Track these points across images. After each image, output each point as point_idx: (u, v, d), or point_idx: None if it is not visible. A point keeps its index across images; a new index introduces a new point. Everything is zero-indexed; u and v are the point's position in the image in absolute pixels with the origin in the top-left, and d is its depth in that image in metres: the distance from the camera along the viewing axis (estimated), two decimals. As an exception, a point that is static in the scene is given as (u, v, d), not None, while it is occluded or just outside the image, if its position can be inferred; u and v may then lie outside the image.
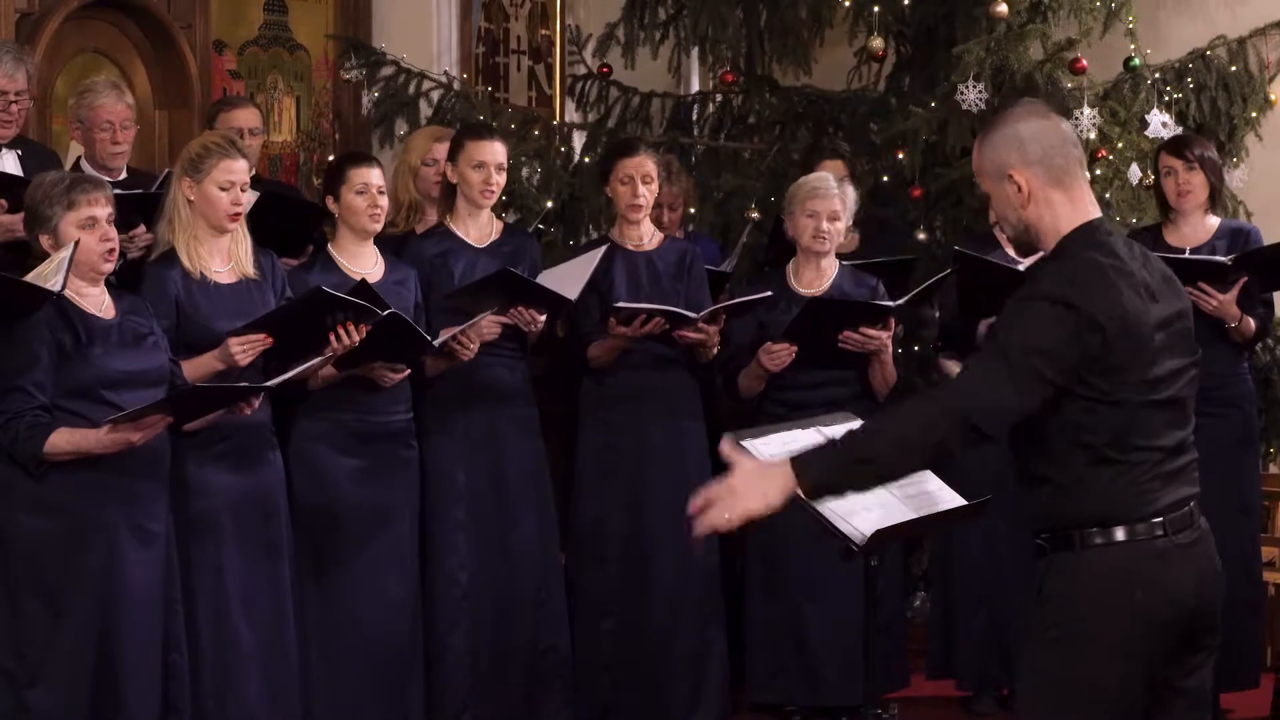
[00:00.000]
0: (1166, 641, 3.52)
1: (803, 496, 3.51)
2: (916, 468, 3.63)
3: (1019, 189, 3.56)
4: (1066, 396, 3.47)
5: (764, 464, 3.55)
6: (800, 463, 3.49)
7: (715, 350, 6.13)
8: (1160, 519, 3.51)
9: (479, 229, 6.04)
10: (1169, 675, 3.55)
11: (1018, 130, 3.58)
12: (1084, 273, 3.48)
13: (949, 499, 4.43)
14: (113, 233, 4.98)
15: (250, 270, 5.42)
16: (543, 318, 5.85)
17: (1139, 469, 3.50)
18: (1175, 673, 3.56)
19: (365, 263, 5.74)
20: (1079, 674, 3.49)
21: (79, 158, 6.43)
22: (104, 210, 4.94)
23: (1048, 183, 3.56)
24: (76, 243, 4.82)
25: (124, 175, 6.28)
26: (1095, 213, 3.60)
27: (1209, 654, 3.62)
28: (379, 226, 5.76)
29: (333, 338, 5.27)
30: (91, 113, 6.28)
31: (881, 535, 4.14)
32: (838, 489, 3.59)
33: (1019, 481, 3.64)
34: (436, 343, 5.60)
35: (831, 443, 3.56)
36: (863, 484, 3.60)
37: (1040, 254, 3.63)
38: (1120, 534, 3.50)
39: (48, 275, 4.75)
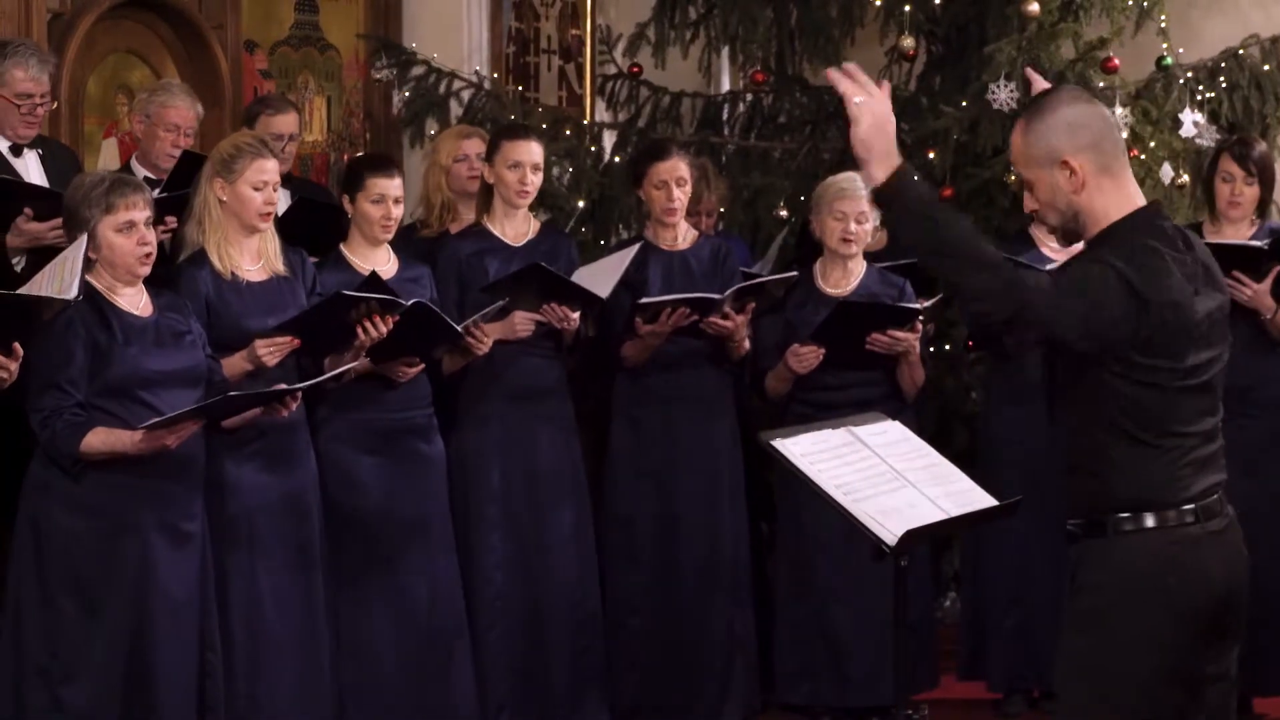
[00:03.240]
0: (1197, 630, 3.51)
1: (879, 184, 3.51)
2: (964, 278, 3.49)
3: (1072, 173, 3.54)
4: (1103, 371, 3.46)
5: (889, 126, 3.64)
6: (905, 172, 3.50)
7: (746, 345, 6.12)
8: (1192, 505, 3.51)
9: (515, 229, 6.05)
10: (1199, 663, 3.54)
11: (1066, 116, 3.55)
12: (1140, 256, 3.46)
13: (980, 498, 4.42)
14: (151, 236, 4.97)
15: (280, 268, 5.43)
16: (576, 315, 5.86)
17: (1172, 454, 3.50)
18: (1205, 660, 3.55)
19: (378, 261, 5.73)
20: (1112, 662, 3.49)
21: (133, 156, 6.41)
22: (142, 214, 4.93)
23: (1098, 169, 3.54)
24: (85, 239, 4.81)
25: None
26: (1141, 199, 3.59)
27: (1236, 641, 3.61)
28: (389, 238, 5.75)
29: (360, 331, 5.30)
30: (162, 111, 6.25)
31: (913, 535, 4.14)
32: (898, 214, 3.53)
33: (1064, 470, 3.63)
34: (460, 327, 5.61)
35: (931, 200, 3.53)
36: (918, 240, 3.50)
37: (1081, 243, 3.62)
38: (1152, 520, 3.50)
39: (63, 278, 4.72)
